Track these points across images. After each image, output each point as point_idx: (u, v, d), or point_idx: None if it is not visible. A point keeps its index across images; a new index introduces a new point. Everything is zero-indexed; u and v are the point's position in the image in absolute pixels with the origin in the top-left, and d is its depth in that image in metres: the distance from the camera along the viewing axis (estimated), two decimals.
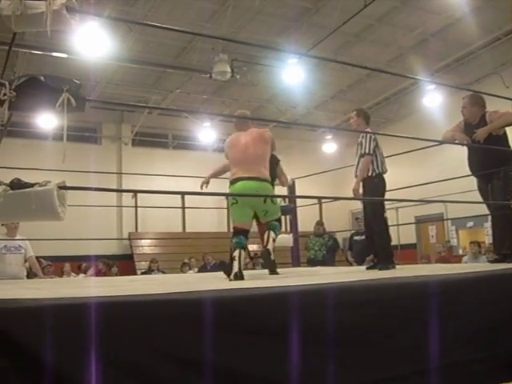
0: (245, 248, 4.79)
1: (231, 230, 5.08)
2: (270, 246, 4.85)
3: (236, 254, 4.56)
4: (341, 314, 2.50)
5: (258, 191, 4.82)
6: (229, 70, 11.68)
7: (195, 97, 15.15)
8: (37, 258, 7.70)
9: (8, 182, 2.14)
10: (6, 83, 2.18)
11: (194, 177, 7.69)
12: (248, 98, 15.73)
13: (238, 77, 12.53)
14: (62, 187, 2.14)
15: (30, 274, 7.99)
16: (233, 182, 4.89)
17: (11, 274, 6.89)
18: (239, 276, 4.39)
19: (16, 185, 2.12)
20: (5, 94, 2.16)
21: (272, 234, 4.93)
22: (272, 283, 3.23)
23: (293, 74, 12.20)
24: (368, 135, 5.48)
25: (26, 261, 7.45)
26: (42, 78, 2.27)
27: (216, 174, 5.82)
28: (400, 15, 11.74)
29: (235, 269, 4.44)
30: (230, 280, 4.37)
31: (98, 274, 11.71)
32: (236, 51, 12.11)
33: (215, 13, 11.33)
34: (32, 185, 2.12)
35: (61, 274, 11.47)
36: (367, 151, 5.52)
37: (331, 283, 2.92)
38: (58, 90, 2.23)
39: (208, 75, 12.21)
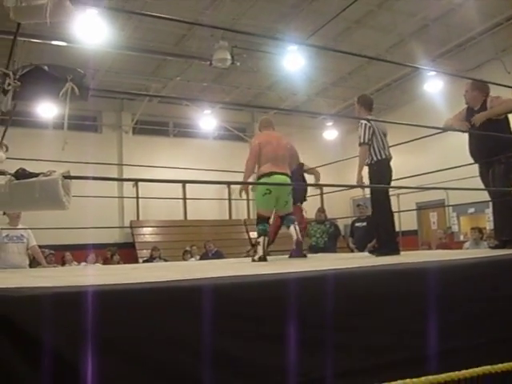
0: (267, 234, 5.68)
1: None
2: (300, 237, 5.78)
3: (261, 240, 5.49)
4: (339, 301, 2.51)
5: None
6: (229, 57, 11.65)
7: (195, 84, 15.11)
8: (39, 247, 7.70)
9: (12, 172, 2.16)
10: (10, 73, 2.18)
11: (193, 169, 7.69)
12: (248, 85, 15.70)
13: (238, 64, 12.50)
14: (67, 177, 2.15)
15: (33, 263, 8.01)
16: (268, 174, 5.59)
17: (14, 263, 6.89)
18: (263, 259, 5.32)
19: (21, 175, 2.13)
20: (9, 84, 2.16)
21: (297, 227, 5.77)
22: (276, 269, 3.24)
23: (293, 61, 12.17)
24: (363, 124, 5.47)
25: (28, 250, 7.46)
26: (45, 67, 2.27)
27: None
28: (400, 1, 11.67)
29: (260, 252, 5.37)
30: (254, 261, 5.28)
31: (106, 261, 11.81)
32: (236, 38, 12.06)
33: (214, 0, 11.27)
34: (37, 175, 2.13)
35: (63, 262, 11.51)
36: (362, 140, 5.55)
37: (330, 270, 2.93)
38: (62, 80, 2.24)
39: (208, 62, 12.17)
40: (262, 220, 5.62)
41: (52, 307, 1.88)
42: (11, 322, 1.80)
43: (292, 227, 5.73)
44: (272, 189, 5.57)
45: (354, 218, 10.89)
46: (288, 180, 5.74)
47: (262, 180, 5.65)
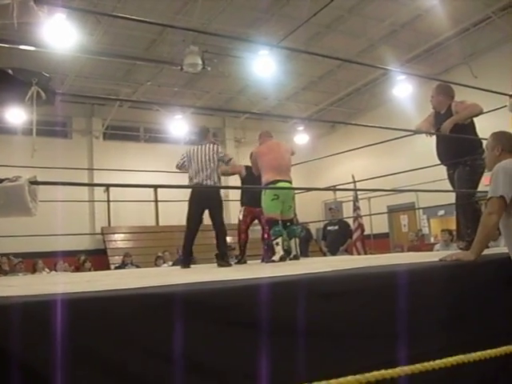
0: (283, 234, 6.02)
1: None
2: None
3: (279, 240, 5.83)
4: (311, 305, 2.51)
5: (290, 191, 6.34)
6: (200, 61, 11.61)
7: (166, 89, 15.06)
8: (7, 254, 7.57)
9: None
10: None
11: (166, 172, 7.66)
12: (219, 90, 15.70)
13: (209, 69, 12.48)
14: (34, 182, 2.11)
15: None
16: (273, 182, 6.00)
17: None
18: (284, 258, 5.76)
19: None
20: None
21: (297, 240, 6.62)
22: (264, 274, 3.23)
23: (264, 66, 12.19)
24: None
25: None
26: (9, 71, 2.23)
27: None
28: (370, 6, 11.80)
29: (281, 252, 5.75)
30: (275, 261, 5.63)
31: (77, 268, 11.65)
32: (207, 43, 12.05)
33: (185, 4, 11.24)
34: (1, 180, 2.08)
35: (33, 270, 11.33)
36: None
37: (302, 274, 2.93)
38: (27, 84, 2.19)
39: (179, 67, 12.12)
40: (274, 223, 5.99)
41: (20, 317, 1.84)
42: None
43: (293, 242, 6.35)
44: (279, 194, 6.02)
45: (326, 222, 10.94)
46: (291, 185, 6.36)
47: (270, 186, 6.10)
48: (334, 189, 15.05)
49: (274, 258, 5.74)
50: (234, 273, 4.04)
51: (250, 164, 6.64)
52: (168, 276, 4.17)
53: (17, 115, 12.11)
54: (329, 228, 10.27)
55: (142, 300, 2.15)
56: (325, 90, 16.08)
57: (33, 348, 1.84)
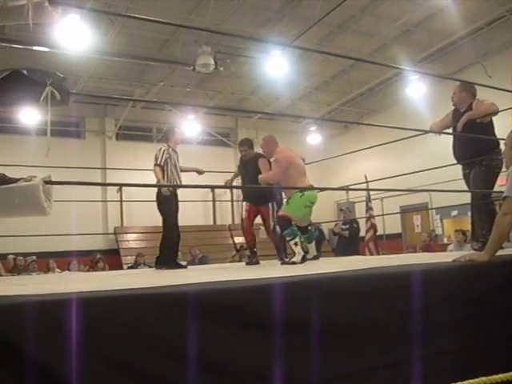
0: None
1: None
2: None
3: (297, 240, 5.66)
4: (326, 305, 2.50)
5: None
6: (212, 62, 11.63)
7: (179, 89, 15.09)
8: (21, 254, 7.64)
9: None
10: None
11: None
12: (232, 90, 15.71)
13: (221, 69, 12.49)
14: (48, 182, 2.13)
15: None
16: (305, 189, 5.86)
17: None
18: (305, 259, 5.66)
19: (0, 180, 2.10)
20: None
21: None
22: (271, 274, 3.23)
23: (276, 66, 12.18)
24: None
25: None
26: (24, 71, 2.24)
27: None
28: (383, 5, 11.75)
29: (301, 252, 5.60)
30: (296, 263, 5.45)
31: (90, 268, 11.73)
32: (219, 43, 12.06)
33: (198, 5, 11.26)
34: (17, 180, 2.09)
35: (47, 269, 11.42)
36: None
37: (316, 274, 2.92)
38: (42, 84, 2.21)
39: (191, 68, 12.15)
40: (288, 223, 5.77)
41: (34, 316, 1.85)
42: None
43: (313, 244, 6.31)
44: (314, 202, 5.94)
45: (337, 222, 10.94)
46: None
47: (305, 193, 5.84)
48: (346, 189, 15.01)
49: (294, 260, 5.56)
50: (249, 272, 4.04)
51: None
52: (180, 276, 4.18)
53: (31, 116, 12.20)
54: (342, 227, 10.28)
55: (155, 300, 2.16)
56: (337, 89, 16.04)
57: (47, 347, 1.85)
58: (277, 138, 6.47)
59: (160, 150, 6.51)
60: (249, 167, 6.57)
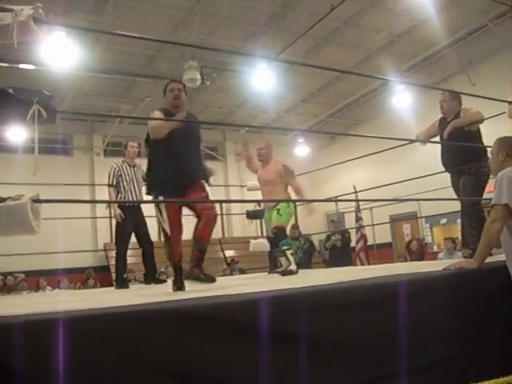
0: None
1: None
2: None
3: (292, 250, 5.90)
4: (315, 318, 2.50)
5: None
6: (199, 76, 11.65)
7: None
8: (11, 273, 7.59)
9: None
10: None
11: None
12: (219, 104, 15.74)
13: (208, 83, 12.52)
14: (36, 200, 2.12)
15: None
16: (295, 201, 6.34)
17: None
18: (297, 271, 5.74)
19: None
20: None
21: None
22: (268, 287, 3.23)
23: (262, 79, 12.24)
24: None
25: None
26: (10, 90, 2.24)
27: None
28: (366, 17, 11.87)
29: (295, 261, 5.83)
30: (293, 272, 5.61)
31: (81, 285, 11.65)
32: (205, 58, 12.10)
33: (183, 20, 11.32)
34: (4, 199, 2.09)
35: (37, 288, 11.33)
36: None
37: (304, 287, 2.91)
38: (28, 102, 2.20)
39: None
40: (285, 234, 6.03)
41: (24, 335, 1.84)
42: None
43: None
44: None
45: (328, 233, 10.94)
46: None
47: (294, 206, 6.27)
48: (335, 200, 15.06)
49: (291, 268, 5.69)
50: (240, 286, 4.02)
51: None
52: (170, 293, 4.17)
53: (18, 134, 12.14)
54: (332, 238, 10.29)
55: (142, 316, 2.15)
56: (324, 101, 16.12)
57: (36, 365, 1.84)
58: None
59: (111, 168, 6.55)
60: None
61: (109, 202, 14.16)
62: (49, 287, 11.45)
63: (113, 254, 15.77)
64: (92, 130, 16.43)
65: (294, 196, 6.23)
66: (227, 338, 2.26)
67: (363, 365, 2.61)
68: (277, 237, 5.95)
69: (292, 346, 2.40)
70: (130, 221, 6.29)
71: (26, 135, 11.26)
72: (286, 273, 5.63)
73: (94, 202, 16.47)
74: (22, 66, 10.74)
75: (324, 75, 14.19)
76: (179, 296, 2.93)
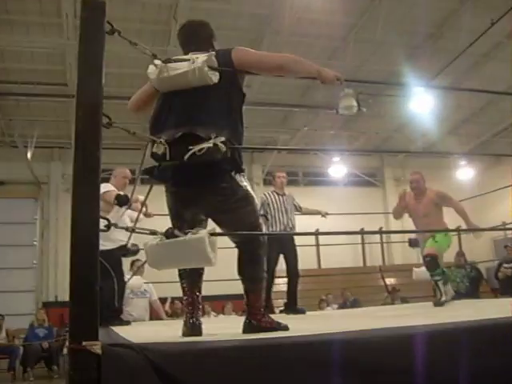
0: None
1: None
2: None
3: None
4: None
5: None
6: (355, 104, 11.64)
7: (323, 133, 15.22)
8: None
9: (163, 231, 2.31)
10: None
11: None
12: (376, 130, 15.59)
13: (364, 110, 12.47)
14: (213, 234, 2.26)
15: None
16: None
17: (136, 317, 7.16)
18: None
19: (170, 234, 2.27)
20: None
21: None
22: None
23: (420, 102, 11.95)
24: None
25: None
26: None
27: None
28: None
29: (451, 291, 5.95)
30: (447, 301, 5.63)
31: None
32: (361, 84, 12.10)
33: (337, 49, 11.45)
34: (186, 233, 2.25)
35: (202, 313, 11.81)
36: None
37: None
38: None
39: (334, 111, 12.27)
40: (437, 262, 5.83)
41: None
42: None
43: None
44: None
45: (500, 260, 10.33)
46: None
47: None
48: (503, 229, 14.17)
49: (443, 300, 5.67)
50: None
51: None
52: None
53: None
54: (505, 266, 9.66)
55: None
56: (487, 120, 15.35)
57: None
58: (424, 174, 6.36)
59: (260, 198, 6.74)
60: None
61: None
62: (213, 312, 11.91)
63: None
64: (251, 160, 16.99)
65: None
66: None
67: None
68: (428, 265, 5.85)
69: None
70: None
71: None
72: (438, 304, 5.59)
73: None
74: None
75: (486, 93, 13.53)
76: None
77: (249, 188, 2.95)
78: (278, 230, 6.52)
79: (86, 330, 1.87)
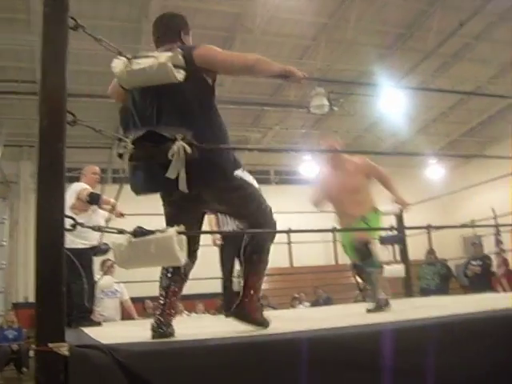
0: None
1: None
2: None
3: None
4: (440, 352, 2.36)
5: None
6: (326, 103, 11.70)
7: (294, 131, 15.28)
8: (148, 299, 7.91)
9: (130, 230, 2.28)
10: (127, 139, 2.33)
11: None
12: (346, 129, 15.66)
13: (335, 109, 12.55)
14: (181, 232, 2.25)
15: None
16: None
17: (107, 317, 7.09)
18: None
19: (138, 233, 2.24)
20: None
21: None
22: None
23: (390, 102, 12.05)
24: None
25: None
26: None
27: None
28: (498, 30, 11.36)
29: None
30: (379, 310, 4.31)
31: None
32: (332, 84, 12.17)
33: (308, 48, 11.49)
34: (153, 232, 2.23)
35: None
36: None
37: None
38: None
39: (305, 110, 12.32)
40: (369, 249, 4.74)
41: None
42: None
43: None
44: None
45: (468, 257, 10.48)
46: None
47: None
48: (472, 226, 14.38)
49: (380, 297, 4.41)
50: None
51: None
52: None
53: None
54: (472, 263, 9.80)
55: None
56: (456, 120, 15.56)
57: None
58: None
59: None
60: None
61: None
62: (185, 312, 11.83)
63: None
64: None
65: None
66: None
67: None
68: (359, 254, 4.70)
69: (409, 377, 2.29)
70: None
71: None
72: (374, 310, 4.33)
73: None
74: None
75: (455, 93, 13.73)
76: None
77: (244, 177, 3.15)
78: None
79: (53, 332, 1.84)
